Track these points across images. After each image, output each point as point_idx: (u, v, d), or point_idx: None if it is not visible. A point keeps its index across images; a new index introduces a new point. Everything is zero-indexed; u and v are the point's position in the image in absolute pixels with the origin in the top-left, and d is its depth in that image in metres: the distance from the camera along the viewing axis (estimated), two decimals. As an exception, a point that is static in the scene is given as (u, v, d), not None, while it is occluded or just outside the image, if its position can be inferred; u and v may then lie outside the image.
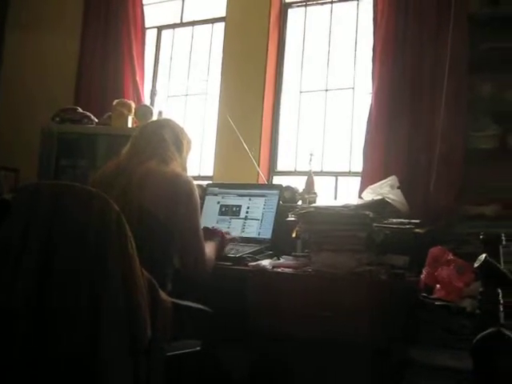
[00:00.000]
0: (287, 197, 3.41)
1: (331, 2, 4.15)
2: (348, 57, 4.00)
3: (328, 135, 4.02)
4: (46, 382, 1.88)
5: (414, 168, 3.29)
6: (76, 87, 4.74)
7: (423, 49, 3.35)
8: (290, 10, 4.28)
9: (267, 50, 4.12)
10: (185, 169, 2.66)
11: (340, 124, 3.99)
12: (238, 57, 4.23)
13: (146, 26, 4.71)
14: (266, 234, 3.20)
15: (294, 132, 4.17)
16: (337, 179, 3.90)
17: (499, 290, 2.13)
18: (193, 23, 4.75)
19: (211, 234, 2.83)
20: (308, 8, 4.24)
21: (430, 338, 2.51)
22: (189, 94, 4.70)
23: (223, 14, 4.42)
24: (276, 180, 4.11)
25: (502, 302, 2.12)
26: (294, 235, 3.04)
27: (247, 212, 3.32)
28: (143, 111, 4.09)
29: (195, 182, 2.56)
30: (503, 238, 2.25)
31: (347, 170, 3.86)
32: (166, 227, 2.38)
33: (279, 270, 2.74)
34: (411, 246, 2.78)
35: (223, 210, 3.40)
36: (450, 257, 2.67)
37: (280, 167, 4.16)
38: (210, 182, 3.91)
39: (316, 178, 3.54)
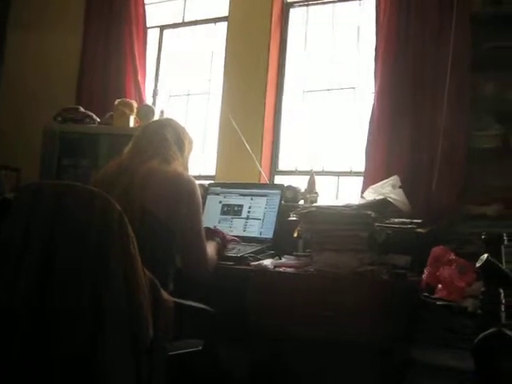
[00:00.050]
0: (289, 196, 3.41)
1: (333, 2, 4.14)
2: (350, 56, 4.00)
3: (330, 135, 4.01)
4: (48, 381, 1.88)
5: (416, 167, 3.29)
6: (78, 87, 4.74)
7: (425, 48, 3.34)
8: (291, 10, 4.28)
9: (269, 49, 4.12)
10: (186, 168, 2.66)
11: (342, 123, 3.98)
12: (239, 56, 4.23)
13: (148, 25, 4.71)
14: (268, 233, 3.20)
15: (295, 131, 4.16)
16: (338, 179, 3.90)
17: (501, 290, 2.14)
18: (195, 23, 4.75)
19: (212, 233, 2.83)
20: (310, 7, 4.24)
21: (432, 337, 2.51)
22: (191, 94, 4.69)
23: (225, 14, 4.42)
24: (278, 180, 4.11)
25: (503, 301, 2.12)
26: (295, 235, 3.03)
27: (249, 212, 3.32)
28: (145, 111, 4.09)
29: (197, 182, 2.56)
30: (505, 237, 2.25)
31: (349, 170, 3.86)
32: (167, 227, 2.38)
33: (281, 269, 2.74)
34: (413, 245, 2.78)
35: (225, 209, 3.40)
36: (452, 256, 2.66)
37: (282, 167, 4.16)
38: (212, 181, 3.91)
39: (318, 178, 3.54)
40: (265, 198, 3.30)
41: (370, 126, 3.50)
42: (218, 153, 4.21)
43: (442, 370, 2.41)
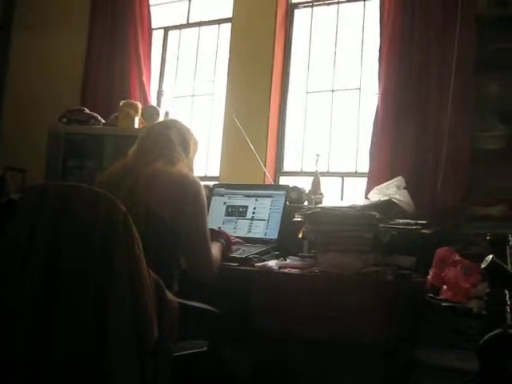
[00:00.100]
0: (294, 197, 3.41)
1: (337, 3, 4.15)
2: (354, 57, 4.00)
3: (334, 136, 4.01)
4: (53, 382, 1.88)
5: (421, 168, 3.29)
6: (82, 88, 4.75)
7: (430, 49, 3.34)
8: (296, 11, 4.28)
9: (273, 50, 4.12)
10: (191, 169, 2.67)
11: (346, 124, 3.98)
12: (244, 57, 4.23)
13: (153, 26, 4.72)
14: (273, 234, 3.20)
15: (300, 132, 4.16)
16: (343, 180, 3.90)
17: (506, 291, 2.13)
18: (199, 24, 4.76)
19: (216, 234, 2.83)
20: (314, 8, 4.24)
21: (437, 338, 2.50)
22: (195, 95, 4.70)
23: (229, 15, 4.42)
24: (282, 180, 4.11)
25: (508, 302, 2.12)
26: (300, 236, 3.03)
27: (254, 212, 3.32)
28: (150, 112, 4.10)
29: (202, 183, 2.56)
30: (510, 238, 2.24)
31: (353, 171, 3.86)
32: (172, 228, 2.38)
33: (285, 270, 2.74)
34: (418, 246, 2.78)
35: (230, 210, 3.40)
36: (457, 258, 2.66)
37: (286, 168, 4.16)
38: (217, 182, 3.91)
39: (322, 179, 3.53)
40: (269, 199, 3.31)
41: (374, 126, 3.50)
42: (222, 154, 4.21)
43: (447, 371, 2.41)
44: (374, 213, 2.63)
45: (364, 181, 3.54)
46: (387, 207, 2.84)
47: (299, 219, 3.00)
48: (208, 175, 4.36)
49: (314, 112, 4.15)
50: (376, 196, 3.06)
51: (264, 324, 2.61)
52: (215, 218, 3.31)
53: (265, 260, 2.84)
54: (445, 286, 2.57)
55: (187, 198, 2.43)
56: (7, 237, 2.03)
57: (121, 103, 4.10)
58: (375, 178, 3.38)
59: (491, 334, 2.01)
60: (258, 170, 3.83)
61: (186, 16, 4.82)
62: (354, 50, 4.01)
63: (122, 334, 1.89)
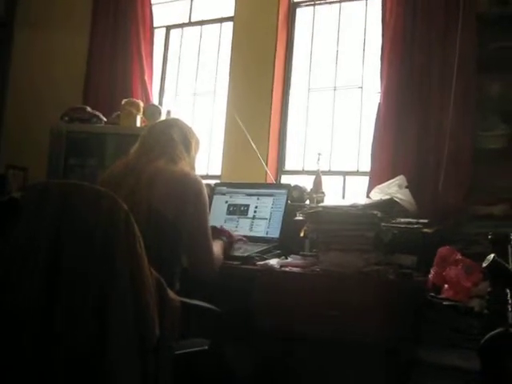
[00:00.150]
0: (295, 196, 3.41)
1: (339, 1, 4.14)
2: (356, 56, 4.00)
3: (336, 134, 4.02)
4: (54, 381, 1.88)
5: (423, 167, 3.29)
6: (85, 86, 4.76)
7: (431, 48, 3.34)
8: (298, 10, 4.28)
9: (275, 49, 4.12)
10: (193, 168, 2.67)
11: (348, 123, 3.98)
12: (246, 56, 4.23)
13: (155, 25, 4.72)
14: (274, 233, 3.20)
15: (302, 131, 4.17)
16: (345, 179, 3.90)
17: (507, 290, 2.13)
18: (201, 23, 4.76)
19: (218, 232, 2.84)
20: (316, 7, 4.24)
21: (438, 337, 2.51)
22: (197, 94, 4.70)
23: (231, 14, 4.42)
24: (284, 179, 4.11)
25: (510, 301, 2.12)
26: (301, 234, 3.04)
27: (255, 211, 3.32)
28: (152, 110, 4.10)
29: (203, 182, 2.56)
30: (512, 237, 2.25)
31: (355, 170, 3.86)
32: (174, 226, 2.38)
33: (287, 269, 2.74)
34: (419, 245, 2.78)
35: (231, 209, 3.40)
36: (458, 257, 2.66)
37: (288, 166, 4.16)
38: (218, 181, 3.91)
39: (324, 178, 3.54)
40: (271, 198, 3.31)
41: (376, 125, 3.50)
42: (224, 152, 4.21)
43: (448, 370, 2.40)
44: (375, 212, 2.63)
45: (366, 180, 3.54)
46: (389, 206, 2.84)
47: (301, 218, 3.00)
48: (210, 174, 4.36)
49: (316, 110, 4.15)
50: (378, 195, 3.06)
51: (265, 323, 2.61)
52: (217, 216, 3.31)
53: (266, 259, 2.84)
54: (446, 285, 2.57)
55: (189, 197, 2.43)
56: (9, 236, 2.03)
57: (123, 102, 4.10)
58: (377, 177, 3.38)
59: (492, 333, 2.01)
60: (260, 169, 3.83)
61: (188, 15, 4.83)
62: (356, 49, 4.01)
63: (123, 332, 1.89)
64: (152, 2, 4.70)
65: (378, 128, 3.48)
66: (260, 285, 2.68)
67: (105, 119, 4.14)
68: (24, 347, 1.90)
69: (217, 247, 2.66)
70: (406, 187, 3.08)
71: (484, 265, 2.14)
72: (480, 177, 3.12)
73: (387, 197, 2.95)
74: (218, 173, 4.24)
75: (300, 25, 4.27)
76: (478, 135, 3.15)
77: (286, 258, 2.91)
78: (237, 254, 2.89)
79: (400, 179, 3.12)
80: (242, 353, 2.71)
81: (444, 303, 2.52)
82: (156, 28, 4.76)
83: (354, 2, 4.08)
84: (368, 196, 3.20)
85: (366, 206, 2.75)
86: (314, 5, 4.24)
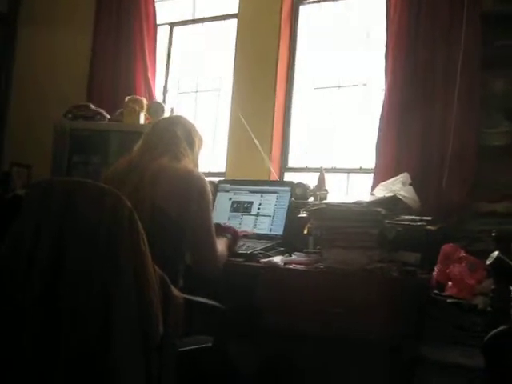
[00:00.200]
0: (299, 193, 3.40)
1: (343, -2, 4.14)
2: (360, 53, 3.99)
3: (340, 132, 4.01)
4: (59, 380, 1.88)
5: (427, 165, 3.28)
6: (88, 84, 4.76)
7: (436, 45, 3.33)
8: (301, 7, 4.27)
9: (279, 46, 4.12)
10: (196, 165, 2.67)
11: (352, 120, 3.98)
12: (249, 53, 4.22)
13: (158, 22, 4.71)
14: (278, 230, 3.21)
15: (305, 128, 4.16)
16: (348, 176, 3.89)
17: (511, 288, 2.13)
18: (204, 20, 4.75)
19: (223, 230, 2.84)
20: (320, 4, 4.22)
21: (442, 335, 2.51)
22: (200, 91, 4.70)
23: (235, 11, 4.41)
24: (287, 177, 4.11)
25: (514, 299, 2.12)
26: (305, 232, 3.04)
27: (259, 208, 3.32)
28: (155, 108, 4.10)
29: (207, 179, 2.56)
30: (516, 235, 2.25)
31: (359, 167, 3.85)
32: (177, 224, 2.38)
33: (291, 266, 2.74)
34: (423, 242, 2.78)
35: (235, 206, 3.40)
36: (462, 254, 2.66)
37: (291, 164, 4.15)
38: (222, 178, 3.91)
39: (328, 175, 3.53)
40: (275, 195, 3.31)
41: (380, 122, 3.49)
42: (227, 150, 4.21)
43: (452, 368, 2.41)
44: (379, 209, 2.63)
45: (369, 177, 3.53)
46: (392, 203, 2.84)
47: (304, 215, 3.01)
48: (213, 171, 4.35)
49: (320, 108, 4.14)
50: (381, 192, 3.05)
51: (269, 320, 2.62)
52: (220, 213, 3.31)
53: (270, 256, 2.84)
54: (450, 283, 2.57)
55: (192, 194, 2.43)
56: (13, 232, 2.04)
57: (126, 99, 4.10)
58: (381, 174, 3.37)
59: (496, 330, 2.01)
60: (263, 166, 3.83)
61: (192, 12, 4.82)
62: (360, 46, 4.00)
63: (127, 329, 1.89)
64: (155, -1, 4.71)
65: (382, 125, 3.47)
66: (264, 282, 2.68)
67: (108, 116, 4.14)
68: (28, 345, 1.90)
69: (221, 244, 2.66)
70: (410, 184, 3.08)
71: (488, 262, 2.14)
72: (484, 174, 3.11)
73: (391, 194, 2.95)
74: (222, 170, 4.24)
75: (303, 22, 4.26)
76: (482, 132, 3.15)
77: (290, 255, 2.90)
78: (240, 251, 2.89)
79: (404, 176, 3.11)
80: (245, 350, 2.72)
81: (448, 301, 2.52)
82: (159, 25, 4.75)
83: (358, -2, 4.08)
84: (372, 193, 3.19)
85: (369, 203, 2.75)
86: (317, 1, 4.23)
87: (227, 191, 3.48)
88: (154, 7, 4.67)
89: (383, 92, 3.53)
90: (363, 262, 2.56)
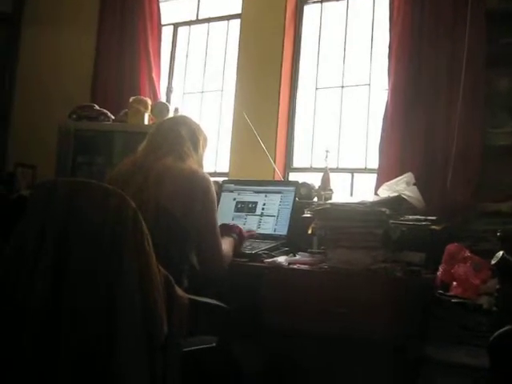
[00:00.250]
0: (303, 193, 3.40)
1: (347, -2, 4.14)
2: (364, 53, 3.99)
3: (344, 132, 4.01)
4: (63, 379, 1.88)
5: (431, 164, 3.28)
6: (92, 84, 4.77)
7: (440, 44, 3.32)
8: (305, 7, 4.27)
9: (283, 46, 4.12)
10: (201, 165, 2.66)
11: (356, 120, 3.97)
12: (253, 53, 4.23)
13: (162, 22, 4.72)
14: (282, 230, 3.20)
15: (309, 128, 4.16)
16: (353, 176, 3.89)
17: (516, 288, 2.13)
18: (209, 20, 4.76)
19: (229, 229, 2.83)
20: (324, 4, 4.23)
21: (446, 335, 2.50)
22: (205, 91, 4.70)
23: (239, 11, 4.42)
24: (292, 177, 4.11)
25: (518, 299, 2.11)
26: (309, 232, 3.03)
27: (263, 209, 3.32)
28: (159, 108, 4.11)
29: (211, 179, 2.56)
30: (520, 234, 2.24)
31: (363, 167, 3.85)
32: (182, 224, 2.38)
33: (295, 266, 2.74)
34: (427, 242, 2.77)
35: (239, 206, 3.40)
36: (467, 254, 2.66)
37: (296, 164, 4.16)
38: (226, 178, 3.91)
39: (332, 175, 3.54)
40: (279, 195, 3.30)
41: (383, 122, 3.49)
42: (231, 150, 4.22)
43: (457, 368, 2.40)
44: (383, 209, 2.63)
45: (374, 177, 3.53)
46: (397, 203, 2.84)
47: (309, 215, 3.00)
48: (217, 171, 4.36)
49: (324, 108, 4.14)
50: (385, 192, 3.05)
51: (273, 320, 2.61)
52: (225, 213, 3.31)
53: (274, 256, 2.84)
54: (455, 283, 2.57)
55: (197, 194, 2.43)
56: (18, 233, 2.04)
57: (130, 99, 4.11)
58: (385, 174, 3.37)
59: (501, 330, 2.01)
60: (268, 166, 3.82)
61: (196, 12, 4.83)
62: (364, 46, 4.00)
63: (131, 329, 1.89)
64: (159, -1, 4.71)
65: (386, 125, 3.47)
66: (268, 282, 2.68)
67: (113, 117, 4.15)
68: (31, 347, 1.90)
69: (226, 244, 2.66)
70: (414, 184, 3.07)
71: (493, 262, 2.14)
72: (488, 173, 3.11)
73: (395, 194, 2.95)
74: (226, 170, 4.25)
75: (307, 22, 4.26)
76: (486, 132, 3.14)
77: (294, 256, 2.90)
78: (244, 251, 2.89)
79: (408, 176, 3.11)
80: (249, 350, 2.71)
81: (452, 300, 2.52)
82: (164, 25, 4.76)
83: (362, -2, 4.08)
84: (376, 193, 3.19)
85: (374, 203, 2.75)
86: (321, 2, 4.23)
87: (231, 191, 3.48)
88: (159, 7, 4.68)
89: (387, 92, 3.53)
90: (367, 262, 2.55)
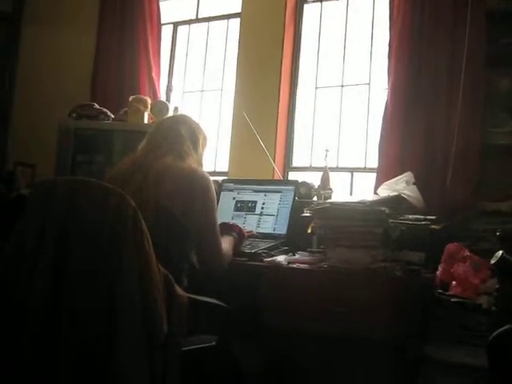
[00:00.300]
0: (303, 192, 3.40)
1: (347, -3, 4.14)
2: (364, 52, 3.99)
3: (344, 131, 4.01)
4: (63, 379, 1.88)
5: (430, 164, 3.28)
6: (92, 83, 4.77)
7: (439, 44, 3.32)
8: (305, 6, 4.27)
9: (283, 45, 4.12)
10: (201, 164, 2.66)
11: (356, 120, 3.97)
12: (253, 53, 4.22)
13: (162, 22, 4.72)
14: (282, 229, 3.20)
15: (309, 128, 4.16)
16: (352, 175, 3.89)
17: (516, 287, 2.13)
18: (208, 19, 4.76)
19: (228, 228, 2.83)
20: (324, 3, 4.22)
21: (446, 334, 2.50)
22: (204, 90, 4.70)
23: (238, 10, 4.42)
24: (291, 176, 4.11)
25: (518, 298, 2.11)
26: (309, 231, 3.03)
27: (262, 208, 3.32)
28: (159, 107, 4.11)
29: (211, 178, 2.56)
30: (520, 234, 2.24)
31: (363, 166, 3.85)
32: (182, 223, 2.38)
33: (294, 265, 2.74)
34: (427, 242, 2.77)
35: (238, 205, 3.40)
36: (466, 253, 2.66)
37: (295, 163, 4.16)
38: (226, 177, 3.91)
39: (331, 174, 3.53)
40: (278, 195, 3.30)
41: (383, 122, 3.49)
42: (231, 149, 4.22)
43: (456, 367, 2.40)
44: (383, 208, 2.63)
45: (373, 176, 3.53)
46: (396, 203, 2.84)
47: (308, 214, 3.00)
48: (217, 170, 4.36)
49: (323, 107, 4.14)
50: (385, 191, 3.05)
51: (273, 319, 2.62)
52: (224, 213, 3.31)
53: (274, 255, 2.84)
54: (454, 282, 2.57)
55: (197, 193, 2.43)
56: (17, 232, 2.04)
57: (130, 98, 4.11)
58: (384, 174, 3.37)
59: (500, 330, 2.01)
60: (267, 165, 3.82)
61: (195, 11, 4.83)
62: (364, 45, 4.00)
63: (131, 328, 1.89)
64: (159, -2, 4.71)
65: (386, 124, 3.47)
66: (267, 281, 2.68)
67: (112, 116, 4.15)
68: (31, 347, 1.90)
69: (226, 243, 2.66)
70: (414, 183, 3.07)
71: (492, 261, 2.14)
72: (488, 173, 3.11)
73: (395, 193, 2.95)
74: (226, 169, 4.25)
75: (307, 21, 4.26)
76: (486, 131, 3.14)
77: (294, 255, 2.90)
78: (244, 250, 2.89)
79: (407, 175, 3.11)
80: (249, 349, 2.72)
81: (452, 300, 2.52)
82: (163, 24, 4.76)
83: (362, -3, 4.08)
84: (375, 192, 3.19)
85: (373, 203, 2.75)
86: (321, 1, 4.23)
87: (231, 190, 3.48)
88: (158, 6, 4.68)
89: (387, 91, 3.53)
90: (367, 261, 2.55)
